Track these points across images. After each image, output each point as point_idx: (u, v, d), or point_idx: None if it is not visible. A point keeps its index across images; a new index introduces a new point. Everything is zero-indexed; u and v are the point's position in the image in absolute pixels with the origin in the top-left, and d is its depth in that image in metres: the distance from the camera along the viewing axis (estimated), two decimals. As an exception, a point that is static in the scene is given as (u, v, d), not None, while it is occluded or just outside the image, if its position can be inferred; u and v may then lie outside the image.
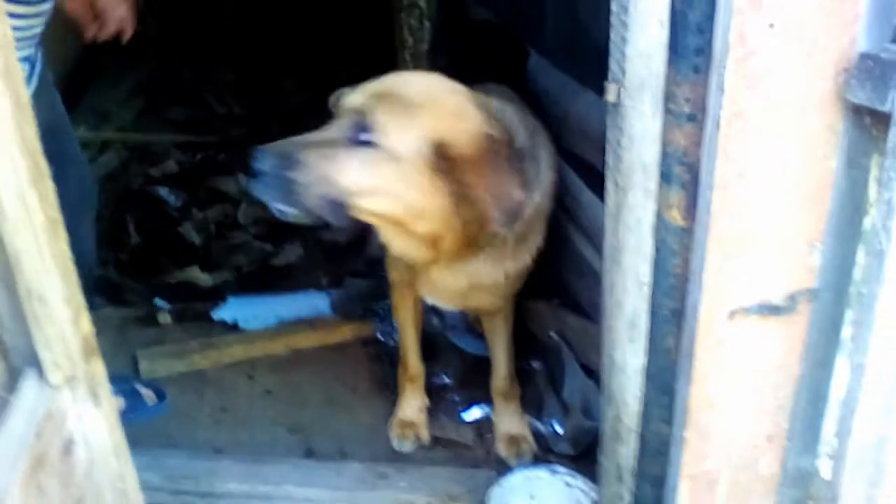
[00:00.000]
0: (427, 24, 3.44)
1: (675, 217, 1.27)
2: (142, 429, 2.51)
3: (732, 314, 1.23)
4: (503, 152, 1.69)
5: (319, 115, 1.88)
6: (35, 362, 1.00)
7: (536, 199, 2.00)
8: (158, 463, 2.30)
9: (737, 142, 1.14)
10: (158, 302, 3.21)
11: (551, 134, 2.67)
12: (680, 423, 1.35)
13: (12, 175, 0.90)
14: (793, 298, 1.23)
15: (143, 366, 2.76)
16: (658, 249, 1.31)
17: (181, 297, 3.27)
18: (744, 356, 1.27)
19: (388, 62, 3.67)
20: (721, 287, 1.22)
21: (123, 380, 2.62)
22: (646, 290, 1.34)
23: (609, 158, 1.33)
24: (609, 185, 1.35)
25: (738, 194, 1.17)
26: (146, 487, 2.22)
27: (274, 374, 2.82)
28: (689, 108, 1.20)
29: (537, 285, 2.50)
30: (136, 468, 2.27)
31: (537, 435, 2.52)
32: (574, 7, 2.36)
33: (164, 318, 3.08)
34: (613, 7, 1.24)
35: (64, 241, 0.98)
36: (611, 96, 1.25)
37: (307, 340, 2.95)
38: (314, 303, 3.17)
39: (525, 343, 2.86)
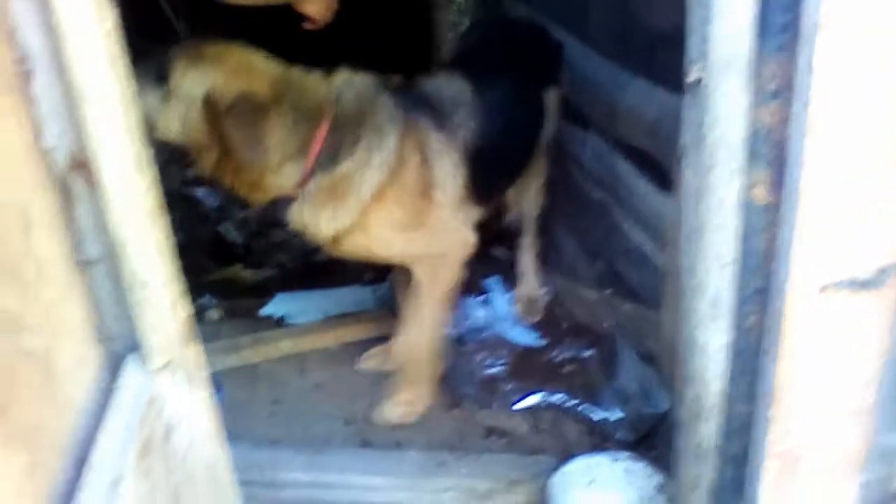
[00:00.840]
0: (465, 20, 3.44)
1: (761, 195, 1.26)
2: (199, 423, 2.54)
3: (822, 290, 1.22)
4: (265, 113, 2.04)
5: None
6: (136, 348, 1.01)
7: (348, 165, 2.17)
8: (220, 455, 2.32)
9: (825, 119, 1.13)
10: (205, 299, 3.23)
11: (600, 124, 2.68)
12: (765, 401, 1.34)
13: (120, 162, 0.91)
14: (883, 272, 1.21)
15: (199, 360, 2.78)
16: (742, 228, 1.30)
17: (227, 294, 3.29)
18: (832, 332, 1.26)
19: (425, 57, 3.68)
20: (810, 263, 1.21)
21: None
22: (728, 270, 1.33)
23: (686, 139, 1.32)
24: (688, 167, 1.34)
25: (826, 171, 1.15)
26: None
27: (324, 367, 2.83)
28: (774, 86, 1.19)
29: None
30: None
31: (593, 423, 2.51)
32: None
33: (213, 314, 3.10)
34: (693, -14, 1.23)
35: (164, 227, 0.99)
36: (693, 75, 1.24)
37: (355, 333, 2.96)
38: (359, 297, 3.19)
39: (576, 332, 2.86)
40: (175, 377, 1.04)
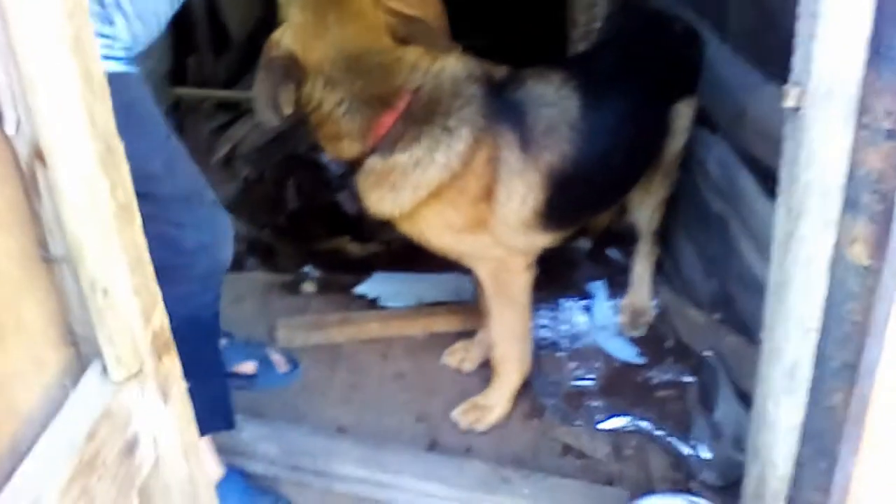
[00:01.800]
0: (600, 2, 3.21)
1: (859, 254, 1.03)
2: (269, 398, 2.50)
3: (920, 380, 1.00)
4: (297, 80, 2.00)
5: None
6: (101, 355, 0.92)
7: (402, 158, 2.06)
8: (278, 435, 2.28)
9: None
10: (306, 269, 3.21)
11: (726, 130, 2.41)
12: (838, 496, 1.12)
13: (79, 160, 0.82)
14: None
15: (280, 334, 2.75)
16: (832, 290, 1.08)
17: (330, 266, 3.26)
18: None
19: (558, 41, 3.47)
20: (908, 347, 0.98)
21: (257, 346, 2.62)
22: (812, 337, 1.12)
23: (782, 176, 1.11)
24: (780, 209, 1.12)
25: (944, 236, 0.93)
26: (263, 459, 2.26)
27: (408, 356, 2.74)
28: (889, 124, 0.96)
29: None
30: (256, 438, 2.30)
31: (681, 458, 2.30)
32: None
33: (309, 286, 3.07)
34: (804, -7, 1.01)
35: (137, 228, 0.90)
36: (790, 101, 1.03)
37: (446, 324, 2.84)
38: (458, 286, 3.06)
39: (679, 354, 2.64)
40: (144, 389, 0.95)
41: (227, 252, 1.88)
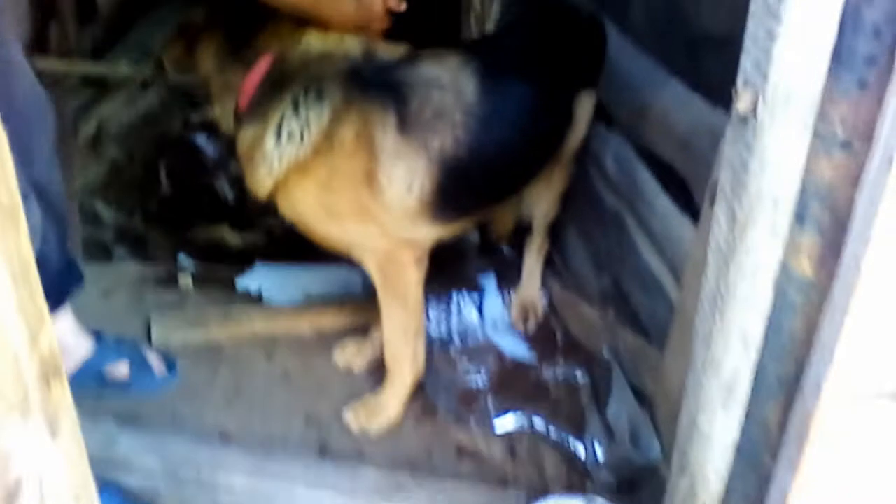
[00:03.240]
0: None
1: (804, 267, 1.00)
2: (145, 403, 2.32)
3: (865, 397, 0.97)
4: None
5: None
6: (-22, 385, 0.77)
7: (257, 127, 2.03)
8: (158, 445, 2.09)
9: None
10: (182, 259, 3.01)
11: (626, 126, 2.40)
12: (773, 513, 1.10)
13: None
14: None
15: (156, 332, 2.55)
16: (775, 303, 1.05)
17: (207, 256, 3.07)
18: (870, 448, 1.01)
19: (453, 25, 3.40)
20: (857, 363, 0.95)
21: (131, 345, 2.41)
22: (753, 351, 1.08)
23: (725, 183, 1.06)
24: (720, 217, 1.08)
25: (899, 252, 0.90)
26: (141, 471, 2.08)
27: (295, 355, 2.59)
28: (843, 133, 0.93)
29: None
30: (133, 449, 2.12)
31: (575, 458, 2.28)
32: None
33: (186, 280, 2.87)
34: (758, -10, 0.96)
35: (22, 234, 0.75)
36: (743, 104, 0.98)
37: (334, 321, 2.71)
38: (346, 278, 2.94)
39: (570, 350, 2.62)
40: (28, 425, 0.81)
41: None
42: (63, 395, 0.85)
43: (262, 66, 2.00)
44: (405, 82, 2.03)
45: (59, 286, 2.13)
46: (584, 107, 2.41)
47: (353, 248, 2.17)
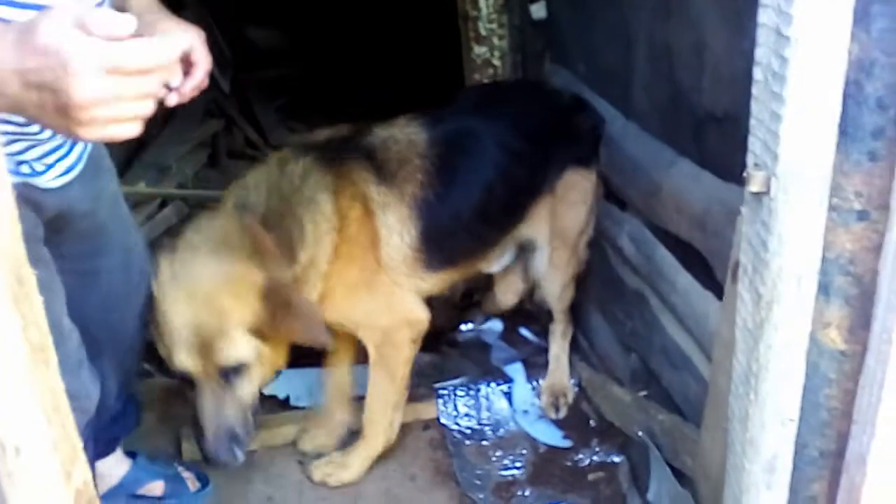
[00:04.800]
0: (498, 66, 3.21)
1: (834, 339, 0.99)
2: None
3: (911, 468, 0.95)
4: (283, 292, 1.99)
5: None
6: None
7: (303, 257, 2.11)
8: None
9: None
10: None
11: (639, 206, 2.42)
12: None
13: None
14: None
15: (186, 447, 2.54)
16: (808, 377, 1.03)
17: (233, 367, 3.06)
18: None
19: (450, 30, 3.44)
20: (899, 433, 0.94)
21: (165, 464, 2.41)
22: (791, 428, 1.06)
23: (746, 262, 1.06)
24: (745, 296, 1.07)
25: (929, 317, 0.89)
26: None
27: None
28: (859, 205, 0.93)
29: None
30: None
31: (619, 543, 2.22)
32: (670, 67, 2.12)
33: (211, 391, 2.86)
34: (758, 74, 0.98)
35: (53, 371, 0.76)
36: (755, 186, 0.99)
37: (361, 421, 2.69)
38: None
39: (605, 433, 2.58)
40: (65, 560, 0.80)
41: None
42: (100, 527, 0.85)
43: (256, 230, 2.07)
44: (369, 145, 2.27)
45: (111, 431, 2.17)
46: (576, 187, 2.54)
47: (358, 326, 2.33)
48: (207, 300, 1.90)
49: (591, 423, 2.67)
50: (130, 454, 2.32)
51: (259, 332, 1.95)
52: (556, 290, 2.70)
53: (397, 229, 2.23)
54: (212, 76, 1.49)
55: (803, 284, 0.98)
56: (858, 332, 0.98)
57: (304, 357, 3.02)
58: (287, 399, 2.81)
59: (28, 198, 1.44)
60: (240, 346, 1.94)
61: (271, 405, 2.78)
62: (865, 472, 0.95)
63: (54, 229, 1.56)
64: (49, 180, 1.50)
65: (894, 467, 0.95)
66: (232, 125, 5.09)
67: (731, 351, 1.18)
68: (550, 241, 2.61)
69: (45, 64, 0.92)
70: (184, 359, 1.95)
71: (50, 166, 1.49)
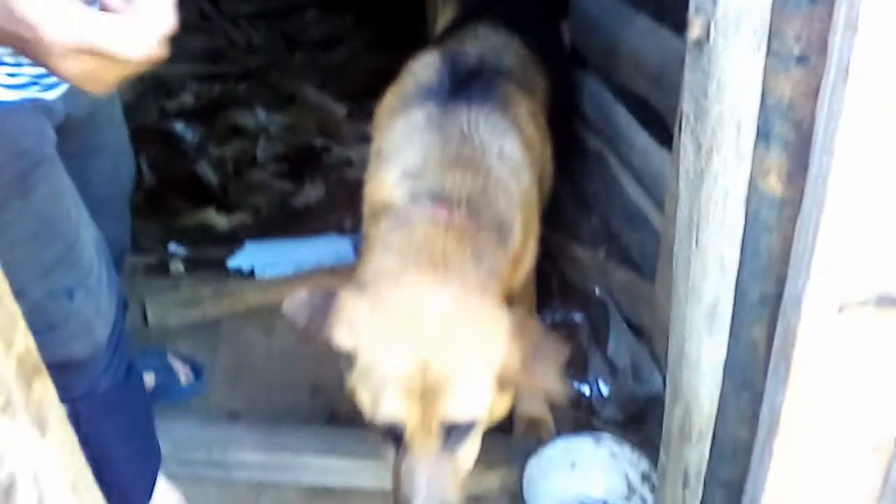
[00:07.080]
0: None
1: (773, 185, 1.00)
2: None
3: (843, 307, 0.98)
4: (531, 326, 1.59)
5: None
6: (-41, 388, 0.77)
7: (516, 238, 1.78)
8: (166, 430, 2.11)
9: (869, 95, 0.86)
10: (172, 248, 3.01)
11: (598, 66, 2.38)
12: (768, 430, 1.11)
13: None
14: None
15: (152, 315, 2.56)
16: (748, 223, 1.05)
17: (196, 241, 3.07)
18: (853, 355, 1.02)
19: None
20: (833, 274, 0.96)
21: (155, 354, 2.39)
22: (731, 274, 1.09)
23: (688, 111, 1.06)
24: (687, 145, 1.08)
25: (865, 161, 0.89)
26: None
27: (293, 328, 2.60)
28: (799, 49, 0.92)
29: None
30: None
31: (581, 396, 2.30)
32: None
33: (177, 266, 2.88)
34: (700, -88, 0.95)
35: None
36: (695, 31, 0.97)
37: (328, 288, 2.72)
38: (336, 248, 2.95)
39: (566, 293, 2.63)
40: (15, 423, 0.81)
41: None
42: (46, 391, 0.86)
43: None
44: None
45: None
46: None
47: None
48: (447, 337, 1.47)
49: (553, 284, 2.71)
50: None
51: (502, 381, 1.49)
52: None
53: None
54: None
55: (743, 131, 0.98)
56: (796, 178, 0.99)
57: (270, 230, 3.06)
58: (252, 271, 2.83)
59: (40, 107, 1.42)
60: (479, 399, 1.48)
61: (235, 279, 2.80)
62: (800, 314, 0.98)
63: (58, 130, 1.54)
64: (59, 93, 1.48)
65: (827, 307, 0.98)
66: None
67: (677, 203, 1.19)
68: None
69: (22, 35, 0.93)
70: (397, 405, 1.46)
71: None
